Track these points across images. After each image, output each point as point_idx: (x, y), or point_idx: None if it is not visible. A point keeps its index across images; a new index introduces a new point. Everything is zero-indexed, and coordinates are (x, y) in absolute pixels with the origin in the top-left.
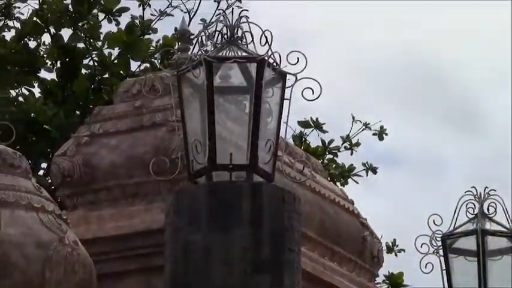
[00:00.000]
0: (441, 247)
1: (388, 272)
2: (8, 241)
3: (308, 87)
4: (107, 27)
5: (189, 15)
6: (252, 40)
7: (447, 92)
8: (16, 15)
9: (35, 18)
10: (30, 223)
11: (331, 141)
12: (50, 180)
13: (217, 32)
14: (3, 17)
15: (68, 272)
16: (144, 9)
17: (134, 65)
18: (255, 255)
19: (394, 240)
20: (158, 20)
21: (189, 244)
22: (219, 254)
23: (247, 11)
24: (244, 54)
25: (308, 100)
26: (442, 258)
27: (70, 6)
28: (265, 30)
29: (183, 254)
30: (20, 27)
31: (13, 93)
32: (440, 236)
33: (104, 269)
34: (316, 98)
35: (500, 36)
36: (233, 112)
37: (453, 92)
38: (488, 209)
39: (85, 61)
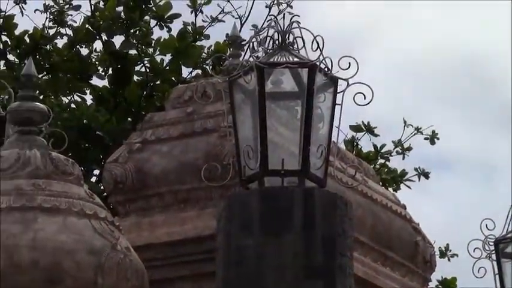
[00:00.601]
0: (494, 252)
1: (442, 277)
2: (60, 248)
3: (360, 92)
4: (158, 33)
5: (241, 21)
6: (304, 45)
7: (500, 95)
8: (68, 23)
9: (87, 26)
10: (83, 230)
11: (383, 146)
12: (102, 187)
13: (268, 38)
14: (55, 25)
15: (120, 279)
16: (196, 15)
17: (186, 71)
18: (307, 261)
19: (447, 245)
20: (210, 26)
21: (241, 250)
22: (271, 260)
23: (299, 16)
24: (295, 59)
25: (360, 105)
26: (494, 263)
27: (122, 13)
28: (317, 36)
29: (235, 259)
30: (72, 35)
31: (65, 100)
32: (493, 240)
33: (155, 275)
34: (368, 103)
35: None
36: (285, 118)
37: (506, 95)
38: None
39: (137, 68)
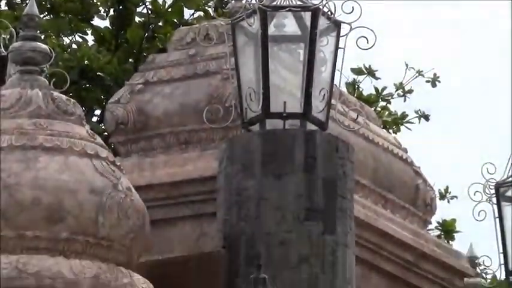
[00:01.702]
0: (494, 195)
1: (441, 219)
2: (62, 187)
3: (363, 36)
4: None
5: None
6: None
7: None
8: None
9: None
10: (84, 169)
11: (384, 89)
12: (103, 127)
13: None
14: None
15: (121, 218)
16: None
17: (188, 13)
18: (307, 203)
19: (447, 187)
20: None
21: (242, 191)
22: (272, 201)
23: None
24: (299, 3)
25: (362, 49)
26: (495, 206)
27: None
28: None
29: (236, 200)
30: None
31: (67, 40)
32: (493, 184)
33: (156, 215)
34: (371, 47)
35: None
36: (287, 61)
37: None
38: None
39: (138, 9)
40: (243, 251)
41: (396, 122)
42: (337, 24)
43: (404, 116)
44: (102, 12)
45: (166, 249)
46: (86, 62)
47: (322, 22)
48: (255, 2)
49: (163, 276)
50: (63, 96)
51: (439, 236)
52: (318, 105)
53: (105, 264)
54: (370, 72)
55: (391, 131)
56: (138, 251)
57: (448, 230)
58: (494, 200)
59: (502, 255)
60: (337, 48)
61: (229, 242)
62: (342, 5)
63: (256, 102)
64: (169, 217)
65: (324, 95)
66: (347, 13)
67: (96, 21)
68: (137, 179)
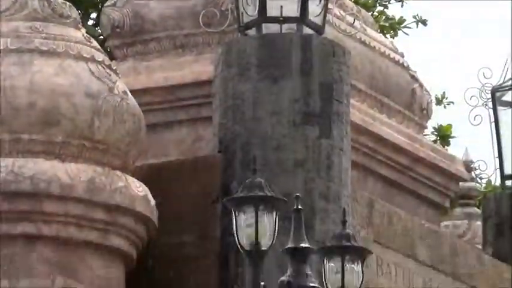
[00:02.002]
0: (490, 99)
1: (437, 125)
2: (57, 90)
3: None
4: None
5: None
6: None
7: None
8: None
9: None
10: (80, 73)
11: None
12: (99, 31)
13: None
14: None
15: (117, 122)
16: None
17: None
18: (303, 106)
19: (444, 92)
20: None
21: (238, 95)
22: (268, 105)
23: None
24: None
25: None
26: (491, 111)
27: None
28: None
29: (231, 104)
30: None
31: None
32: (489, 88)
33: (152, 119)
34: None
35: None
36: None
37: None
38: None
39: None
40: (238, 155)
41: (393, 27)
42: None
43: (401, 21)
44: None
45: (161, 153)
46: None
47: None
48: None
49: (159, 180)
50: None
51: (435, 141)
52: (314, 9)
53: (100, 168)
54: None
55: (388, 36)
56: (133, 155)
57: (444, 135)
58: (490, 104)
59: (497, 160)
60: None
61: (224, 146)
62: None
63: (252, 6)
64: (165, 121)
65: None
66: None
67: None
68: (133, 83)
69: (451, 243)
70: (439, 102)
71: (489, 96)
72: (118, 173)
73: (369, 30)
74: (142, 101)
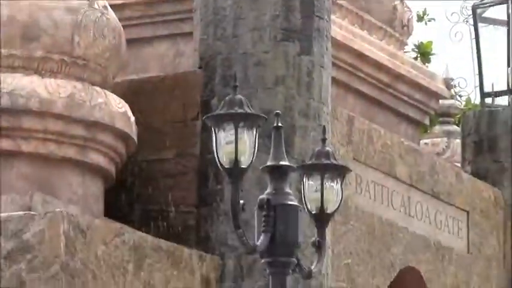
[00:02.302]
0: (471, 16)
1: (418, 41)
2: (37, 5)
3: None
4: None
5: None
6: None
7: None
8: None
9: None
10: None
11: None
12: None
13: None
14: None
15: (97, 37)
16: None
17: None
18: (284, 23)
19: (425, 9)
20: None
21: (219, 10)
22: (249, 21)
23: None
24: None
25: None
26: (471, 28)
27: None
28: None
29: (212, 20)
30: None
31: None
32: (471, 5)
33: (133, 34)
34: None
35: None
36: None
37: None
38: None
39: None
40: (219, 71)
41: None
42: None
43: None
44: None
45: (142, 68)
46: None
47: None
48: None
49: (139, 95)
50: None
51: (415, 58)
52: None
53: (80, 84)
54: None
55: None
56: (113, 70)
57: (424, 52)
58: (471, 21)
59: (477, 77)
60: None
61: (205, 62)
62: None
63: None
64: (145, 36)
65: None
66: None
67: None
68: None
69: (430, 161)
70: (420, 19)
71: (470, 13)
72: (98, 89)
73: None
74: (122, 16)
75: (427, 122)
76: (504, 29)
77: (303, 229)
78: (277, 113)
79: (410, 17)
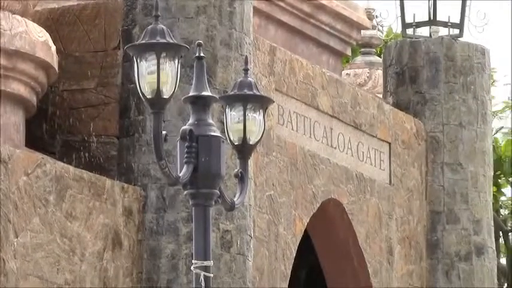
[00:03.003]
0: None
1: None
2: None
3: None
4: None
5: None
6: None
7: None
8: None
9: None
10: None
11: None
12: None
13: None
14: None
15: None
16: None
17: None
18: None
19: None
20: None
21: None
22: None
23: None
24: None
25: None
26: None
27: None
28: None
29: None
30: None
31: None
32: None
33: None
34: None
35: None
36: None
37: None
38: None
39: None
40: (140, 0)
41: None
42: None
43: None
44: None
45: None
46: None
47: None
48: None
49: (60, 24)
50: None
51: None
52: None
53: (0, 13)
54: None
55: None
56: None
57: None
58: None
59: (399, 8)
60: None
61: None
62: None
63: None
64: None
65: None
66: None
67: None
68: None
69: (352, 92)
70: None
71: None
72: (18, 17)
73: None
74: None
75: (349, 52)
76: None
77: (225, 160)
78: (199, 43)
79: None
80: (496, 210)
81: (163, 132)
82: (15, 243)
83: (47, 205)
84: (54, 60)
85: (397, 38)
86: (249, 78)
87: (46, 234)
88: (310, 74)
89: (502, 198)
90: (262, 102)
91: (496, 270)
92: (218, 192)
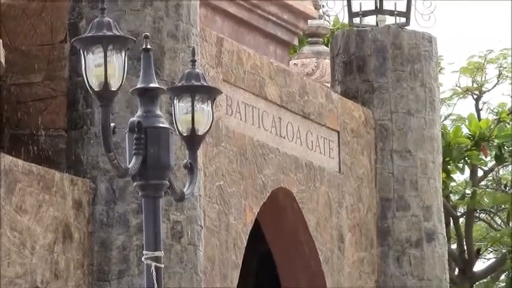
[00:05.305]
0: None
1: None
2: None
3: None
4: None
5: None
6: None
7: None
8: None
9: None
10: None
11: None
12: None
13: None
14: None
15: None
16: None
17: None
18: None
19: None
20: None
21: None
22: None
23: None
24: None
25: None
26: None
27: None
28: None
29: None
30: None
31: None
32: None
33: None
34: None
35: None
36: None
37: None
38: None
39: None
40: None
41: None
42: None
43: None
44: None
45: None
46: None
47: None
48: None
49: (6, 18)
50: None
51: None
52: None
53: None
54: None
55: None
56: None
57: None
58: None
59: None
60: None
61: None
62: None
63: None
64: None
65: None
66: None
67: None
68: None
69: (300, 82)
70: None
71: None
72: None
73: None
74: None
75: (296, 42)
76: None
77: (174, 151)
78: (145, 35)
79: None
80: (446, 196)
81: (112, 124)
82: None
83: None
84: (0, 55)
85: (344, 27)
86: (197, 70)
87: None
88: (257, 64)
89: (452, 184)
90: (210, 93)
91: (446, 256)
92: (167, 183)
